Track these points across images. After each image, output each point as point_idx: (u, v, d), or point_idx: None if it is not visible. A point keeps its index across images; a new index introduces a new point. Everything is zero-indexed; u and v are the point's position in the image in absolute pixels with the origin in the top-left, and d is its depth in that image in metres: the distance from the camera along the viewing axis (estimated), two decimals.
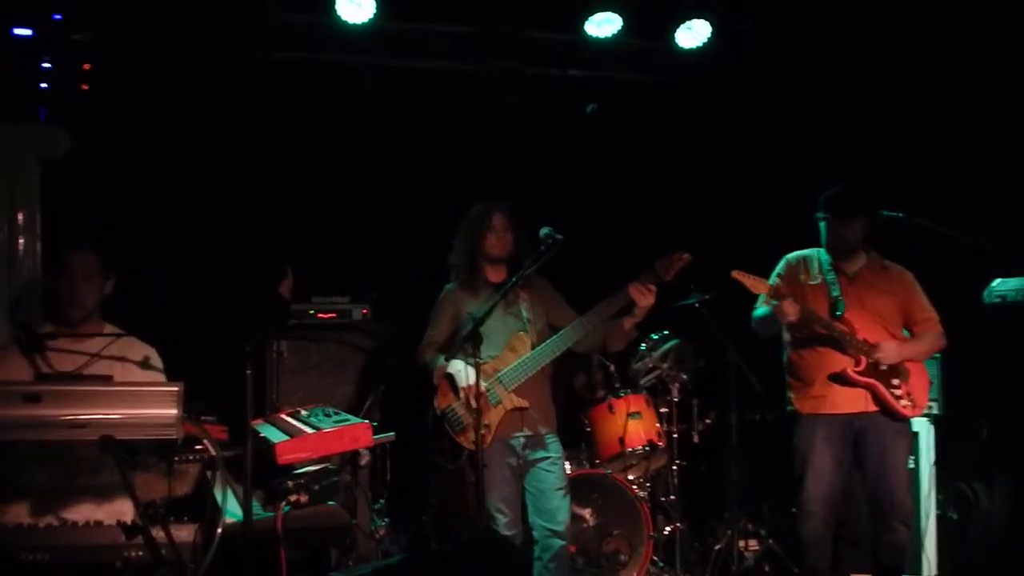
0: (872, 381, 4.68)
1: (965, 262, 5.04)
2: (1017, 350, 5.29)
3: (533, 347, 4.58)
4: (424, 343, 4.72)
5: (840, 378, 4.70)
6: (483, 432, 4.38)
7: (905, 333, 4.85)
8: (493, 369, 4.51)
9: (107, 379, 3.82)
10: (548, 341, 4.57)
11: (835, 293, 4.76)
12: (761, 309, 4.86)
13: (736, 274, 4.66)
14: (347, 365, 5.78)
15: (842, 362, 4.70)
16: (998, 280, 5.36)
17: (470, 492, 4.45)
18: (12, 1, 5.50)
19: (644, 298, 4.46)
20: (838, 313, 4.71)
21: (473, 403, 4.25)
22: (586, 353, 5.18)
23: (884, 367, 4.66)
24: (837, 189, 4.83)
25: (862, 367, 4.67)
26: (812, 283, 4.85)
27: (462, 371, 4.39)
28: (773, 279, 4.87)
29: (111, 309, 4.02)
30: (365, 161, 6.45)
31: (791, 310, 4.61)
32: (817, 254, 4.92)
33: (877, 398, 4.69)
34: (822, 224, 4.87)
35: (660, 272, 4.48)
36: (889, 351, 4.65)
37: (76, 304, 3.89)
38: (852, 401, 4.71)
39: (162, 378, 4.00)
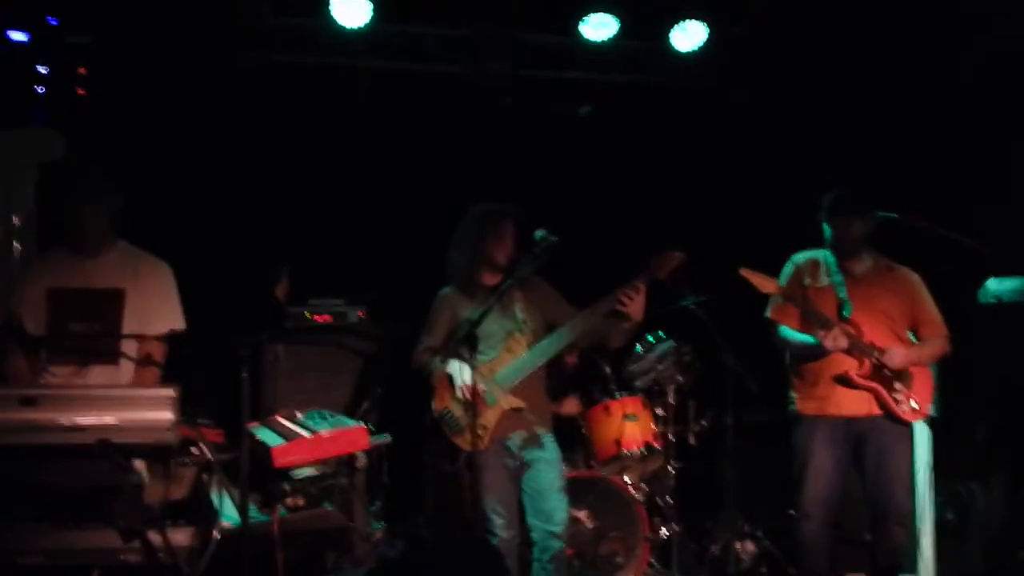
0: (875, 385, 4.66)
1: (961, 262, 5.04)
2: (1013, 350, 5.29)
3: (529, 347, 4.57)
4: (421, 348, 4.71)
5: (844, 380, 4.70)
6: (480, 433, 4.38)
7: (910, 335, 4.84)
8: (489, 370, 4.51)
9: (119, 292, 3.87)
10: (543, 341, 4.56)
11: (842, 295, 4.75)
12: (799, 336, 4.80)
13: (744, 272, 4.65)
14: (343, 368, 5.77)
15: (846, 364, 4.68)
16: (993, 280, 5.36)
17: (467, 494, 4.45)
18: (8, 4, 5.50)
19: (627, 305, 4.44)
20: (845, 315, 4.70)
21: (468, 398, 4.24)
22: (588, 350, 5.17)
23: (888, 372, 4.66)
24: (836, 188, 4.82)
25: (866, 370, 4.66)
26: (818, 286, 4.83)
27: (459, 370, 4.39)
28: (782, 281, 4.86)
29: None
30: (360, 163, 6.44)
31: (842, 342, 4.60)
32: (824, 255, 4.89)
33: (881, 402, 4.69)
34: (824, 224, 4.85)
35: (654, 270, 4.47)
36: (896, 357, 4.64)
37: (85, 225, 3.95)
38: (856, 403, 4.70)
39: (175, 295, 4.04)
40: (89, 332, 3.88)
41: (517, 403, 4.51)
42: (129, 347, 3.94)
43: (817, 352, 4.70)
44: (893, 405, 4.66)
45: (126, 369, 3.97)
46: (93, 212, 3.95)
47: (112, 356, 3.92)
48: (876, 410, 4.70)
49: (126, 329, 3.91)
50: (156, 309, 3.97)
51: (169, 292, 4.06)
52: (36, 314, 3.87)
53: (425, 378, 4.60)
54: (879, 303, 4.76)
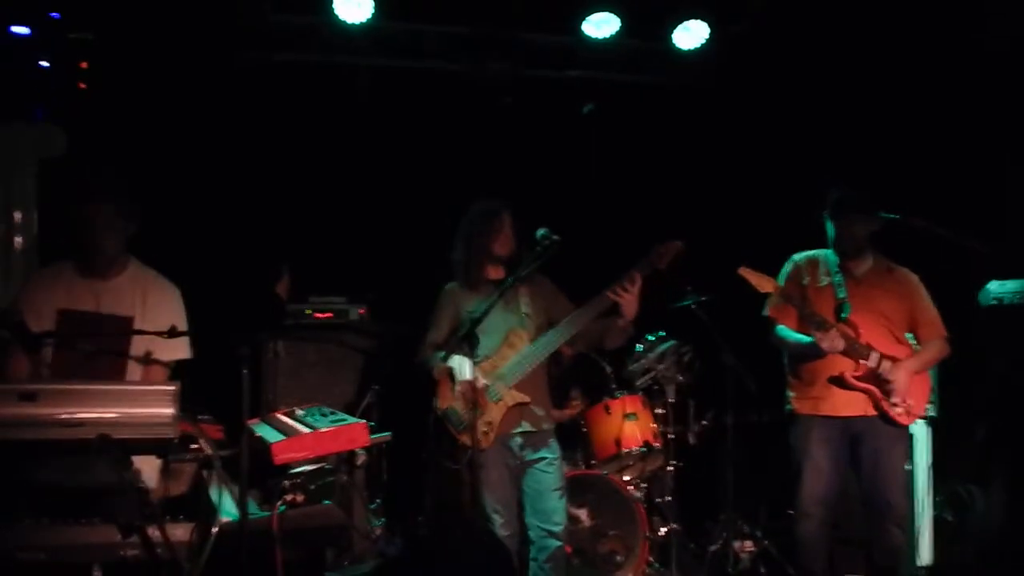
0: (869, 387, 4.66)
1: (962, 264, 5.03)
2: (1013, 352, 5.29)
3: (531, 342, 4.57)
4: (425, 344, 4.71)
5: (839, 381, 4.70)
6: (486, 431, 4.39)
7: (909, 337, 4.83)
8: (492, 366, 4.51)
9: (127, 321, 3.85)
10: (545, 336, 4.56)
11: (841, 295, 4.75)
12: (796, 335, 4.81)
13: (742, 271, 4.65)
14: (344, 365, 5.78)
15: (842, 365, 4.68)
16: (994, 282, 5.36)
17: (466, 492, 4.45)
18: None
19: (623, 296, 4.44)
20: (843, 315, 4.70)
21: (468, 393, 4.25)
22: (586, 351, 5.17)
23: (883, 374, 4.66)
24: (843, 188, 4.80)
25: (861, 372, 4.66)
26: (818, 285, 4.83)
27: (459, 365, 4.40)
28: (781, 280, 4.86)
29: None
30: (362, 161, 6.44)
31: (840, 344, 4.60)
32: (825, 255, 4.89)
33: (875, 403, 4.69)
34: (828, 224, 4.84)
35: (654, 260, 4.48)
36: (901, 381, 4.64)
37: (98, 252, 3.91)
38: (852, 404, 4.70)
39: (183, 321, 4.01)
40: (96, 356, 3.85)
41: (522, 398, 4.51)
42: (135, 372, 3.92)
43: (814, 352, 4.70)
44: (887, 407, 4.66)
45: None
46: (112, 238, 3.92)
47: (118, 379, 3.90)
48: (871, 411, 4.70)
49: (132, 355, 3.89)
50: (165, 341, 3.93)
51: (177, 319, 4.02)
52: (42, 328, 3.84)
53: (427, 373, 4.60)
54: (878, 304, 4.76)
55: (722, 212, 6.67)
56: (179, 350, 3.96)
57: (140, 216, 3.96)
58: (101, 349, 3.85)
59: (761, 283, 4.68)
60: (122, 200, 3.91)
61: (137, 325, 3.90)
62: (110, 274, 3.93)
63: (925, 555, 5.34)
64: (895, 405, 4.65)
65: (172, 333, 3.73)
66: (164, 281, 4.07)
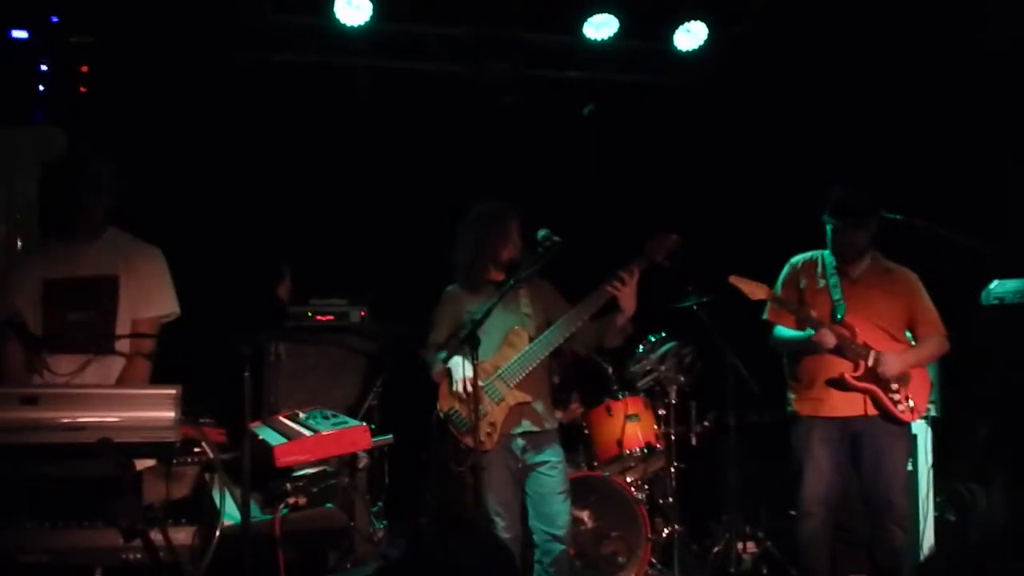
0: (870, 386, 4.66)
1: (963, 264, 5.03)
2: (1015, 352, 5.29)
3: (531, 341, 4.56)
4: (428, 347, 4.70)
5: (839, 382, 4.69)
6: (489, 432, 4.39)
7: (907, 335, 4.83)
8: (493, 366, 4.50)
9: (113, 279, 3.86)
10: (544, 334, 4.54)
11: (836, 297, 4.75)
12: (791, 332, 4.82)
13: (733, 279, 4.65)
14: (345, 367, 5.78)
15: (841, 366, 4.68)
16: (996, 282, 5.35)
17: (469, 494, 4.45)
18: (10, 3, 5.50)
19: (619, 293, 4.44)
20: (839, 317, 4.70)
21: (470, 392, 4.24)
22: (586, 351, 5.16)
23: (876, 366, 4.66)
24: (847, 194, 4.75)
25: (860, 372, 4.66)
26: (816, 288, 4.82)
27: (459, 364, 4.39)
28: (778, 285, 4.87)
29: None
30: (362, 163, 6.44)
31: (830, 340, 4.61)
32: (822, 256, 4.88)
33: (877, 402, 4.69)
34: (829, 227, 4.81)
35: (650, 254, 4.46)
36: (891, 364, 4.64)
37: (88, 235, 3.95)
38: (851, 405, 4.70)
39: (168, 279, 4.05)
40: (87, 321, 3.87)
41: (524, 397, 4.50)
42: (124, 331, 3.93)
43: (810, 347, 4.70)
44: (891, 405, 4.66)
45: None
46: (95, 205, 3.94)
47: (111, 347, 3.91)
48: (871, 410, 4.69)
49: (122, 316, 3.91)
50: (150, 294, 3.96)
51: (162, 276, 4.04)
52: (33, 305, 3.86)
53: (429, 374, 4.60)
54: (875, 305, 4.75)
55: (722, 213, 6.67)
56: (169, 304, 4.01)
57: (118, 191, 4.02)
58: (91, 320, 3.87)
59: (752, 290, 4.68)
60: (113, 190, 3.98)
61: (122, 283, 3.93)
62: (90, 239, 3.96)
63: (927, 555, 5.33)
64: (898, 403, 4.66)
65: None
66: (144, 242, 4.11)
